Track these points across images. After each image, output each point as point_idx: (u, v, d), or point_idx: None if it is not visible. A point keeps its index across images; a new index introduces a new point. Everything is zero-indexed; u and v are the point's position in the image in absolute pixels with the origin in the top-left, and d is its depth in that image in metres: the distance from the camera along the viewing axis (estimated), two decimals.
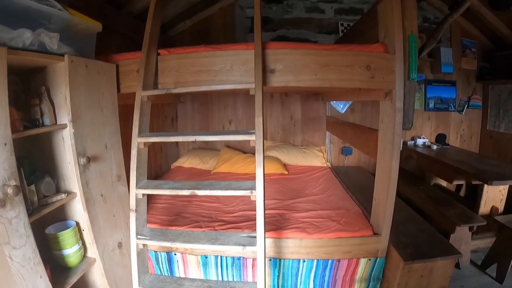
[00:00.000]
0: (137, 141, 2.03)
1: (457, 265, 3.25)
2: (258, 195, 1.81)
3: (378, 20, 2.35)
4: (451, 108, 5.13)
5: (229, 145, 4.76)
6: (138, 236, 2.02)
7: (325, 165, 4.53)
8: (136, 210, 2.01)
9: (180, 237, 2.04)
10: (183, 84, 2.22)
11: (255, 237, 1.85)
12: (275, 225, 2.52)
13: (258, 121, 1.87)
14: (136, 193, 2.00)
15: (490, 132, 5.14)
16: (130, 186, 2.03)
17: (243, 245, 1.87)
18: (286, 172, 4.13)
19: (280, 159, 4.44)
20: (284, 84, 2.10)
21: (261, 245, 1.81)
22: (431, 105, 5.06)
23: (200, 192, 1.94)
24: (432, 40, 3.34)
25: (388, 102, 2.25)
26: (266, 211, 2.71)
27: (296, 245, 2.39)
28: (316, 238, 2.39)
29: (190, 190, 1.95)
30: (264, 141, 4.82)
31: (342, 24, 4.77)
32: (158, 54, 2.28)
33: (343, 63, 2.09)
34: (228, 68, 2.16)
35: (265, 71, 2.06)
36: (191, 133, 2.15)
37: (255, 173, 1.83)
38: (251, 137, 1.87)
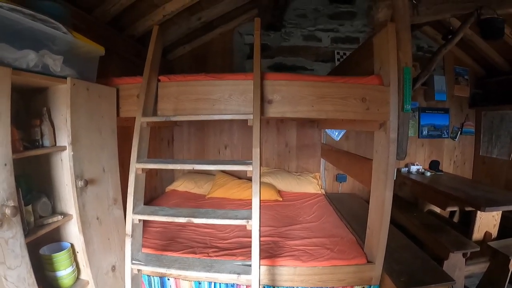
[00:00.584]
0: (135, 167, 2.05)
1: None
2: (254, 224, 1.83)
3: (374, 52, 2.42)
4: (445, 135, 5.21)
5: (224, 170, 4.74)
6: (133, 261, 2.02)
7: (320, 191, 4.53)
8: (132, 235, 2.02)
9: (175, 264, 2.04)
10: (182, 111, 2.27)
11: (250, 265, 1.87)
12: (269, 252, 2.52)
13: (256, 151, 1.90)
14: (132, 218, 2.01)
15: (483, 158, 5.20)
16: (126, 211, 2.04)
17: (238, 274, 1.87)
18: (281, 199, 4.13)
19: (274, 185, 4.44)
20: (281, 115, 2.15)
21: (256, 274, 1.82)
22: (425, 132, 5.13)
23: (197, 220, 1.96)
24: (426, 72, 3.42)
25: (382, 132, 2.29)
26: (261, 239, 2.73)
27: (290, 273, 2.39)
28: (310, 266, 2.39)
29: (186, 218, 1.97)
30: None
31: (338, 53, 4.86)
32: (159, 80, 2.33)
33: (339, 95, 2.15)
34: (227, 97, 2.21)
35: (263, 101, 2.11)
36: (189, 161, 2.17)
37: (249, 199, 1.86)
38: (248, 168, 1.91)
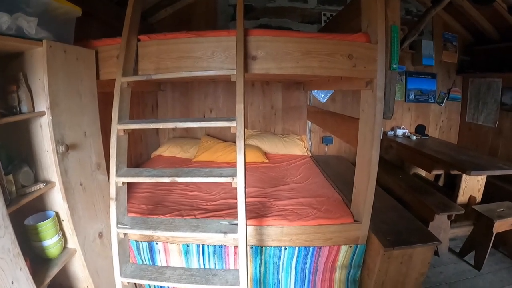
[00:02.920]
0: (117, 128, 2.00)
1: (436, 253, 3.33)
2: (239, 182, 1.80)
3: (361, 10, 2.35)
4: (431, 100, 5.22)
5: (209, 134, 4.74)
6: (119, 225, 2.00)
7: (306, 154, 4.55)
8: (116, 198, 1.98)
9: (161, 225, 2.02)
10: (164, 70, 2.19)
11: (236, 224, 1.85)
12: (256, 212, 2.52)
13: (239, 107, 1.86)
14: (116, 181, 1.97)
15: (469, 124, 5.25)
16: (110, 174, 2.00)
17: (224, 232, 1.87)
18: (267, 161, 4.14)
19: (260, 147, 4.44)
20: (266, 71, 2.09)
21: (243, 232, 1.82)
22: (412, 96, 5.14)
23: (181, 179, 1.93)
24: (414, 32, 3.38)
25: (369, 91, 2.26)
26: (247, 199, 2.72)
27: (278, 233, 2.40)
28: (297, 225, 2.41)
29: (170, 178, 1.94)
30: (245, 129, 4.84)
31: (324, 14, 4.76)
32: (139, 40, 2.24)
33: (325, 51, 2.09)
34: (209, 55, 2.13)
35: (246, 58, 2.04)
36: (171, 120, 2.12)
37: (236, 162, 1.83)
38: (232, 124, 1.86)
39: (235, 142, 1.86)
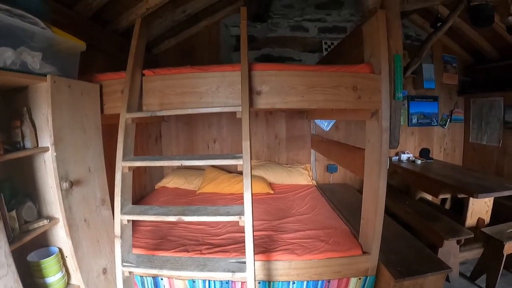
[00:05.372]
0: (122, 165, 1.99)
1: (447, 278, 3.24)
2: (246, 220, 1.78)
3: (364, 40, 2.37)
4: (434, 123, 5.22)
5: (214, 165, 4.65)
6: (124, 264, 1.97)
7: (311, 183, 4.51)
8: (121, 236, 1.96)
9: (168, 264, 2.00)
10: (168, 105, 2.20)
11: (244, 262, 1.82)
12: (263, 247, 2.48)
13: (246, 144, 1.85)
14: (121, 219, 1.95)
15: (472, 145, 5.23)
16: (114, 212, 1.98)
17: (232, 272, 1.83)
18: (272, 192, 4.09)
19: (265, 178, 4.40)
20: (271, 106, 2.09)
21: (251, 270, 1.78)
22: (414, 120, 5.14)
23: (187, 218, 1.91)
24: (417, 59, 3.41)
25: (374, 121, 2.26)
26: (255, 233, 2.69)
27: (286, 267, 2.35)
28: (306, 259, 2.36)
29: (176, 216, 1.92)
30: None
31: (325, 43, 4.82)
32: (143, 74, 2.25)
33: (330, 84, 2.10)
34: (214, 90, 2.15)
35: (251, 92, 2.05)
36: (177, 157, 2.12)
37: (240, 193, 1.82)
38: (239, 162, 1.85)
39: (240, 173, 1.84)
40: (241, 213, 1.81)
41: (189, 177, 4.39)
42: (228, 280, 2.34)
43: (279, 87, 2.08)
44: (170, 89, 2.20)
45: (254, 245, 1.82)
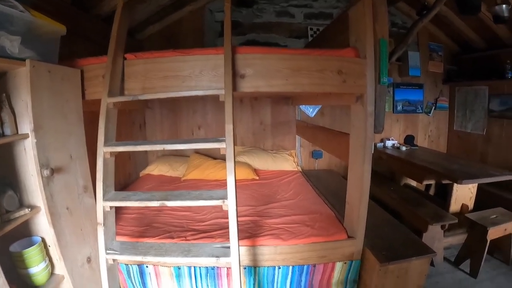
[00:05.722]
0: (103, 151, 1.95)
1: (431, 263, 3.29)
2: (230, 204, 1.76)
3: (349, 25, 2.35)
4: (419, 110, 5.26)
5: (199, 151, 4.65)
6: (107, 251, 1.94)
7: (296, 169, 4.51)
8: (104, 223, 1.93)
9: (152, 250, 1.97)
10: (151, 90, 2.15)
11: (228, 247, 1.80)
12: (248, 232, 2.47)
13: (229, 128, 1.82)
14: (103, 205, 1.91)
15: (457, 133, 5.30)
16: (96, 198, 1.94)
17: (216, 257, 1.82)
18: (257, 178, 4.08)
19: (250, 164, 4.38)
20: (255, 90, 2.07)
21: (235, 255, 1.77)
22: (399, 107, 5.17)
23: (170, 203, 1.89)
24: (402, 45, 3.41)
25: (359, 106, 2.25)
26: (239, 219, 2.66)
27: (271, 252, 2.35)
28: (291, 244, 2.36)
29: (159, 201, 1.89)
30: (234, 146, 4.72)
31: (311, 29, 4.79)
32: (125, 58, 2.20)
33: (315, 68, 2.07)
34: (197, 74, 2.10)
35: (235, 76, 2.01)
36: (159, 142, 2.08)
37: (226, 180, 1.79)
38: (222, 145, 1.83)
39: (224, 159, 1.82)
40: (224, 197, 1.79)
41: (173, 164, 4.35)
42: (214, 266, 2.33)
43: (264, 70, 2.05)
44: (153, 73, 2.14)
45: (239, 230, 1.81)
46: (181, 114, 4.73)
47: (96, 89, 2.22)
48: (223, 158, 4.14)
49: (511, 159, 4.34)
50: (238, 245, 1.80)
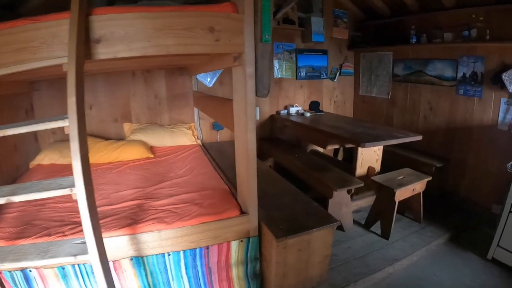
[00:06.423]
0: None
1: (341, 228, 3.30)
2: (79, 193, 1.48)
3: None
4: (323, 76, 5.29)
5: (90, 134, 4.11)
6: None
7: (195, 142, 4.33)
8: None
9: (10, 255, 1.65)
10: (3, 66, 1.78)
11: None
12: (131, 219, 2.20)
13: (71, 101, 1.53)
14: None
15: (363, 97, 5.45)
16: None
17: (74, 255, 1.54)
18: (152, 156, 3.81)
19: (146, 141, 4.07)
20: (113, 55, 1.76)
21: (94, 251, 1.50)
22: (303, 73, 5.14)
23: (17, 198, 1.57)
24: (289, 1, 3.23)
25: (239, 67, 2.06)
26: (124, 204, 2.40)
27: (156, 239, 2.10)
28: (177, 227, 2.14)
29: (5, 197, 1.56)
30: (129, 124, 4.27)
31: None
32: None
33: (182, 26, 1.80)
34: (49, 43, 1.74)
35: (89, 41, 1.71)
36: None
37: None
38: (65, 123, 1.53)
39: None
40: (72, 185, 1.51)
41: (63, 151, 3.85)
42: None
43: (122, 32, 1.74)
44: (6, 47, 1.77)
45: (97, 220, 1.55)
46: None
47: None
48: (116, 138, 3.82)
49: (415, 122, 4.55)
50: (100, 238, 1.54)
